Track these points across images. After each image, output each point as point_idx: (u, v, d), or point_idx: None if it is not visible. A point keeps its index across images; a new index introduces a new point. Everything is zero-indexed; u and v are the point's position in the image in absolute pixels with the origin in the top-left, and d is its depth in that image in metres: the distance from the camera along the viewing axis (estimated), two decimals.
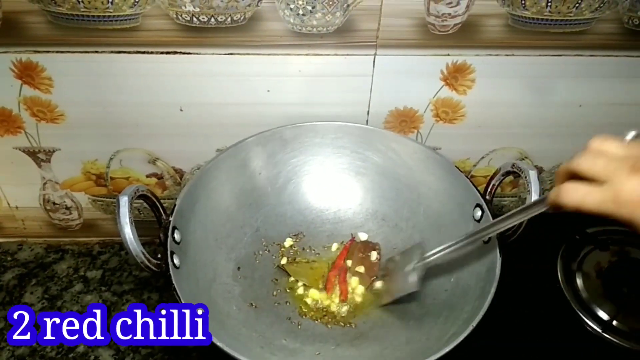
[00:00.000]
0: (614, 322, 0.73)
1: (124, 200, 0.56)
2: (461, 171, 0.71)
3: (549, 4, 0.68)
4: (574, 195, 0.45)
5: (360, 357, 0.64)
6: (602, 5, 0.68)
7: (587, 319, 0.74)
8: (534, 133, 0.82)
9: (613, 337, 0.72)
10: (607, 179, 0.43)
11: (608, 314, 0.73)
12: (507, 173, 0.66)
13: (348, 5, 0.66)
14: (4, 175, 0.83)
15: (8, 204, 0.87)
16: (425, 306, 0.68)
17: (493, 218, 0.65)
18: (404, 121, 0.79)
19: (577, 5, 0.68)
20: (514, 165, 0.65)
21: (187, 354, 0.76)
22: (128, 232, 0.55)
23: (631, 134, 0.47)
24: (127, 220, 0.55)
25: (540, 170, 0.86)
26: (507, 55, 0.72)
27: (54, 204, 0.87)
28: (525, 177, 0.62)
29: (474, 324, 0.56)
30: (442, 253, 0.66)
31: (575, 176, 0.46)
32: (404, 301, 0.69)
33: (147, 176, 0.84)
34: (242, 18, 0.67)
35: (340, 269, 0.74)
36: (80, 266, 0.88)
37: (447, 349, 0.54)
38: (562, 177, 0.48)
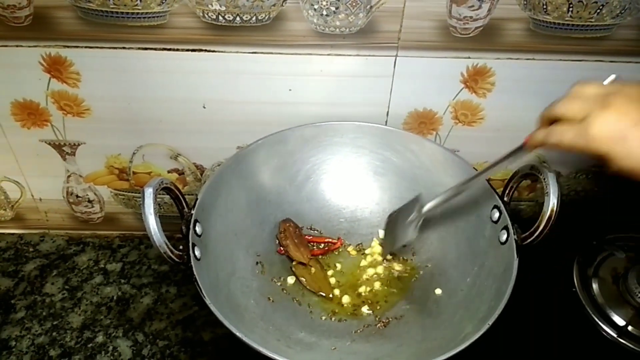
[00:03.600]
0: (629, 328, 0.73)
1: (149, 192, 0.57)
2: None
3: (571, 9, 0.68)
4: (553, 134, 0.49)
5: (375, 353, 0.64)
6: (623, 11, 0.69)
7: (603, 323, 0.74)
8: None
9: (628, 342, 0.72)
10: (582, 118, 0.47)
11: (623, 319, 0.73)
12: (526, 175, 0.67)
13: (371, 7, 0.68)
14: (29, 167, 0.85)
15: (32, 195, 0.89)
16: (441, 305, 0.68)
17: (511, 220, 0.66)
18: (423, 122, 0.80)
19: (598, 11, 0.68)
20: (532, 167, 0.65)
21: (204, 347, 0.77)
22: (152, 222, 0.56)
23: (610, 78, 0.50)
24: (152, 211, 0.56)
25: (558, 175, 0.86)
26: (528, 59, 0.73)
27: (77, 196, 0.88)
28: (544, 179, 0.62)
29: (490, 322, 0.56)
30: (437, 202, 0.69)
31: (557, 120, 0.50)
32: (421, 300, 0.70)
33: (169, 172, 0.85)
34: (266, 17, 0.68)
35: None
36: (100, 259, 0.90)
37: (462, 347, 0.54)
38: (544, 121, 0.52)
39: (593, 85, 0.49)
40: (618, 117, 0.45)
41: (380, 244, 0.77)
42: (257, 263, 0.73)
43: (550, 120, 0.51)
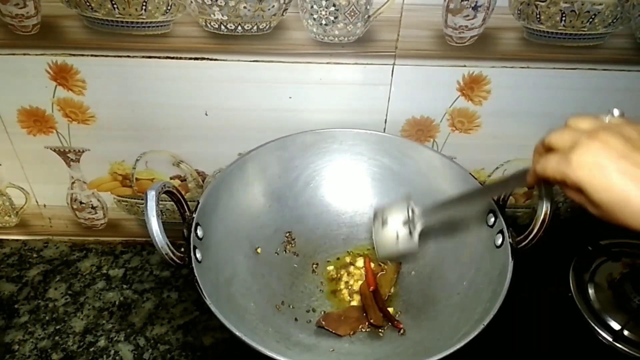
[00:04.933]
0: (625, 332, 0.73)
1: (151, 194, 0.58)
2: (476, 178, 0.73)
3: (563, 18, 0.70)
4: (540, 163, 0.49)
5: (373, 354, 0.65)
6: (615, 20, 0.70)
7: (599, 328, 0.74)
8: None
9: (624, 347, 0.72)
10: (570, 147, 0.46)
11: (619, 324, 0.74)
12: None
13: (369, 16, 0.69)
14: (34, 173, 0.86)
15: (36, 201, 0.90)
16: (438, 308, 0.69)
17: (506, 224, 0.67)
18: (420, 130, 0.82)
19: (590, 20, 0.70)
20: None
21: (204, 351, 0.78)
22: (155, 224, 0.57)
23: (615, 112, 0.49)
24: (154, 213, 0.58)
25: None
26: (522, 67, 0.74)
27: (81, 203, 0.90)
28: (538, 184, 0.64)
29: (485, 323, 0.57)
30: (439, 214, 0.70)
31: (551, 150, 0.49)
32: (419, 302, 0.71)
33: (171, 178, 0.87)
34: (267, 27, 0.70)
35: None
36: (103, 264, 0.91)
37: (458, 346, 0.55)
38: (538, 151, 0.52)
39: (588, 118, 0.48)
40: (602, 147, 0.44)
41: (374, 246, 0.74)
42: (257, 267, 0.74)
43: (545, 150, 0.50)
